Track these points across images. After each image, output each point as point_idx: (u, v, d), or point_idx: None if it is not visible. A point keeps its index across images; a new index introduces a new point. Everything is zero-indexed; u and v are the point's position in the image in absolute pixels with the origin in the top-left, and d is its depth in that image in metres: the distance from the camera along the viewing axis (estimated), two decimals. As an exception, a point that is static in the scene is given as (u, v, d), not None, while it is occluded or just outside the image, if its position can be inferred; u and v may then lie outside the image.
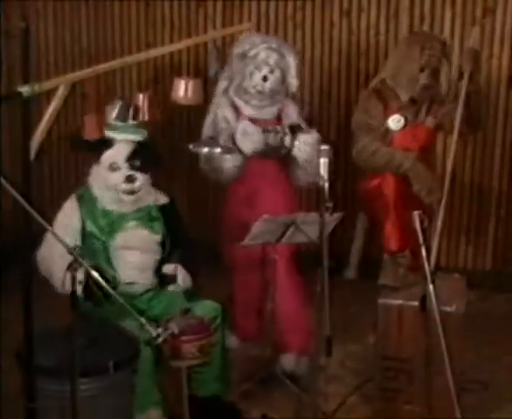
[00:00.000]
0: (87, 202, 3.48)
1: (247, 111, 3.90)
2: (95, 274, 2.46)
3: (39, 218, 2.44)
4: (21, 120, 2.50)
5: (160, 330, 2.52)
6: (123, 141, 3.49)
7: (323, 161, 2.94)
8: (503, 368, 4.01)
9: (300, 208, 3.97)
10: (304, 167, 3.84)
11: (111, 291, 2.51)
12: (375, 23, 4.97)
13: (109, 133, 3.50)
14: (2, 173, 2.38)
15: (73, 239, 3.29)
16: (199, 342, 2.99)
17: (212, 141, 3.78)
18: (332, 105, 5.14)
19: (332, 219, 3.31)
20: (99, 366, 2.80)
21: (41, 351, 2.66)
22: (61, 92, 4.87)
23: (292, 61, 3.90)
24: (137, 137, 3.53)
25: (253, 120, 3.87)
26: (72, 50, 5.40)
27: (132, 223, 3.49)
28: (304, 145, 3.82)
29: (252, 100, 3.89)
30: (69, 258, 2.49)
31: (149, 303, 3.45)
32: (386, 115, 3.92)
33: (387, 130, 3.90)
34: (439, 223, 3.52)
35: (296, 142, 3.83)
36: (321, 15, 5.05)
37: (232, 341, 4.03)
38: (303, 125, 3.92)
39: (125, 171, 3.45)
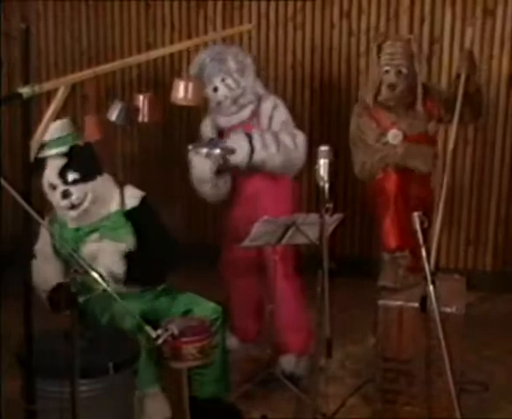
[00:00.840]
0: (57, 224, 3.43)
1: (223, 122, 3.89)
2: (95, 274, 2.45)
3: (39, 219, 2.43)
4: (21, 121, 2.49)
5: (160, 331, 2.51)
6: (54, 157, 3.30)
7: (323, 162, 2.92)
8: (503, 369, 4.01)
9: (300, 209, 3.97)
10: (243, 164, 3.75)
11: (112, 292, 2.50)
12: (375, 24, 4.98)
13: (40, 154, 3.22)
14: (2, 173, 2.37)
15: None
16: (200, 343, 2.99)
17: (212, 142, 3.77)
18: (333, 105, 5.14)
19: (332, 220, 3.30)
20: (99, 367, 2.80)
21: (41, 352, 2.65)
22: (61, 94, 4.86)
23: (231, 64, 3.84)
24: (62, 149, 3.30)
25: (227, 131, 3.84)
26: (73, 51, 5.40)
27: (95, 236, 3.37)
28: (216, 150, 3.73)
29: (220, 112, 3.87)
30: None
31: (151, 304, 3.44)
32: (381, 130, 3.91)
33: (385, 143, 3.90)
34: (438, 224, 3.52)
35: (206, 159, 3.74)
36: (322, 16, 5.05)
37: (232, 342, 4.03)
38: (278, 119, 3.85)
39: (60, 188, 3.32)
